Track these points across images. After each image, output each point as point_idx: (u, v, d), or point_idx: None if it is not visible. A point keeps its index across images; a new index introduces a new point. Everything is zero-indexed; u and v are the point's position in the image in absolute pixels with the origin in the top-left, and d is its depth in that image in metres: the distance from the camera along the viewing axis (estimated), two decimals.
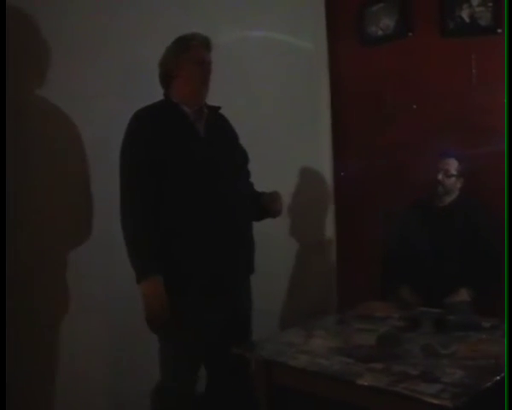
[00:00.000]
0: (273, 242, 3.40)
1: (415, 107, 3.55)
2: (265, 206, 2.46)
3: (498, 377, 1.88)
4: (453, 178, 3.11)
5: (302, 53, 3.76)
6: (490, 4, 3.24)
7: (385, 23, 3.70)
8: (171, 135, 2.28)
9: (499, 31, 3.17)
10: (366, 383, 1.95)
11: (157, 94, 2.55)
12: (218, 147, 2.38)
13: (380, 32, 3.72)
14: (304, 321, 2.73)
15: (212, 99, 2.99)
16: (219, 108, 2.51)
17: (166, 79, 2.41)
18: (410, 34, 3.58)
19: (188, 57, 2.36)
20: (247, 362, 2.42)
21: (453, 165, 3.12)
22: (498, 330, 2.29)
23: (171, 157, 2.26)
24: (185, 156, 2.27)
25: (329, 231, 3.93)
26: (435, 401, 1.78)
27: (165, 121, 2.31)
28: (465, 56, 3.34)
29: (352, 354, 2.18)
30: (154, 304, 2.16)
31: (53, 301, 2.55)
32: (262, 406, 2.34)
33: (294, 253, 3.67)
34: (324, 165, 3.91)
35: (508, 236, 1.98)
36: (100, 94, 2.65)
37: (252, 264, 2.46)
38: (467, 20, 3.34)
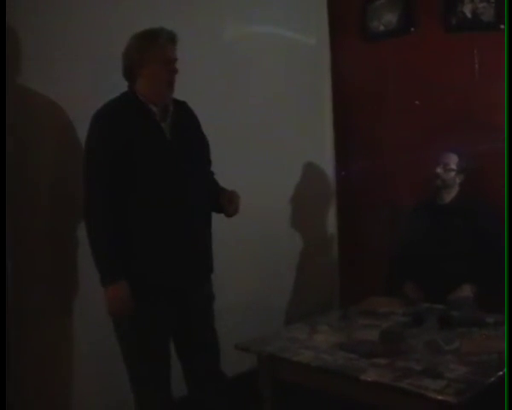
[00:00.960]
0: (276, 239, 3.42)
1: (417, 103, 3.55)
2: (222, 204, 2.39)
3: (501, 373, 1.89)
4: (452, 173, 3.11)
5: (305, 49, 3.75)
6: (492, 0, 3.24)
7: (387, 18, 3.69)
8: (138, 137, 2.21)
9: (502, 27, 3.16)
10: (370, 379, 1.96)
11: None
12: (183, 146, 2.31)
13: (382, 28, 3.72)
14: (307, 317, 2.74)
15: (216, 95, 3.03)
16: (184, 102, 2.43)
17: (131, 74, 2.30)
18: (413, 30, 3.57)
19: (153, 56, 2.25)
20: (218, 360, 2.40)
21: (453, 159, 3.12)
22: (502, 326, 2.29)
23: (135, 160, 2.19)
24: (150, 159, 2.22)
25: (332, 227, 3.94)
26: (439, 397, 1.79)
27: (130, 121, 2.23)
28: (468, 52, 3.34)
29: (356, 349, 2.19)
30: (119, 308, 2.16)
31: (57, 299, 2.56)
32: (266, 401, 2.35)
33: (298, 249, 3.68)
34: (326, 161, 3.91)
35: (508, 235, 1.99)
36: (99, 92, 2.64)
37: (210, 263, 2.40)
38: (469, 15, 3.34)
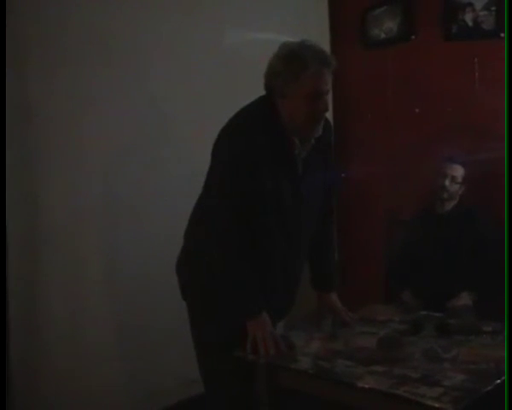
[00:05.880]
0: None
1: (417, 111, 3.56)
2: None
3: (499, 381, 1.89)
4: (458, 186, 3.13)
5: None
6: (493, 8, 3.25)
7: (388, 26, 3.71)
8: (270, 167, 1.95)
9: (502, 35, 3.17)
10: (367, 386, 1.96)
11: (159, 99, 2.52)
12: (311, 184, 2.07)
13: (383, 36, 3.73)
14: (305, 324, 2.73)
15: (216, 101, 3.02)
16: (326, 119, 2.10)
17: (271, 97, 1.98)
18: (413, 37, 3.59)
19: (298, 89, 1.89)
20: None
21: (459, 171, 3.14)
22: (499, 335, 2.29)
23: (259, 189, 1.95)
24: (275, 194, 1.99)
25: None
26: (436, 405, 1.78)
27: (266, 146, 1.93)
28: (468, 60, 3.35)
29: (353, 356, 2.19)
30: (269, 344, 2.10)
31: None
32: (263, 407, 2.34)
33: None
34: None
35: (508, 240, 1.98)
36: (100, 97, 2.66)
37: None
38: (470, 23, 3.35)
